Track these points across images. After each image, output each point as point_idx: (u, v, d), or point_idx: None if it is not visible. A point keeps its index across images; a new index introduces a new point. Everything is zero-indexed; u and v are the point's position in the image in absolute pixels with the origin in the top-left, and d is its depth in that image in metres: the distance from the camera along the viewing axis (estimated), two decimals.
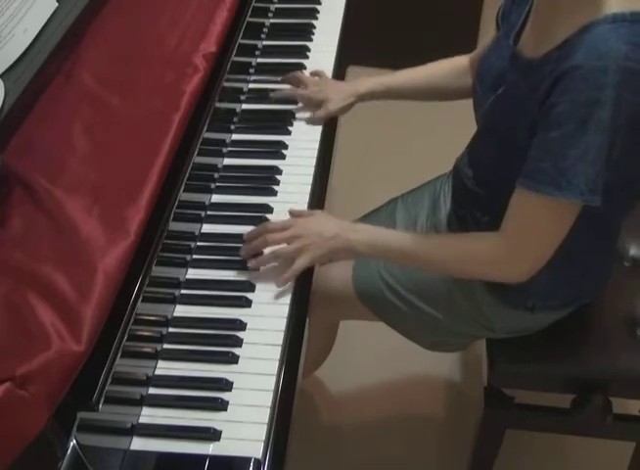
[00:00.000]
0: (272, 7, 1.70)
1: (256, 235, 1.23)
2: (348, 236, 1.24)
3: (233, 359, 1.10)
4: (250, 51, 1.55)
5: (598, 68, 1.00)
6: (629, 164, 1.13)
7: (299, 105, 1.50)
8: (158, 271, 1.04)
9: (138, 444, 1.01)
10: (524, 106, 1.12)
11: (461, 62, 1.48)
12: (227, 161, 1.39)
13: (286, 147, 1.42)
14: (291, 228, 1.23)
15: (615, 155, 1.05)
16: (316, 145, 1.43)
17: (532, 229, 1.13)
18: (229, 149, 1.41)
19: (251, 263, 1.21)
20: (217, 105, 1.28)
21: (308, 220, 1.25)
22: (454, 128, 1.39)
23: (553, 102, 1.05)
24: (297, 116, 1.48)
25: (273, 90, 1.52)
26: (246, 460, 0.99)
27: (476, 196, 1.32)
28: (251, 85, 1.54)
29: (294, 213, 1.28)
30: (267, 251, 1.23)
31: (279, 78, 1.54)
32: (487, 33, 1.39)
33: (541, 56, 1.11)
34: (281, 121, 1.47)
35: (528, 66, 1.14)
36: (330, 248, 1.23)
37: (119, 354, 0.93)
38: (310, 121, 1.47)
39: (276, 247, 1.23)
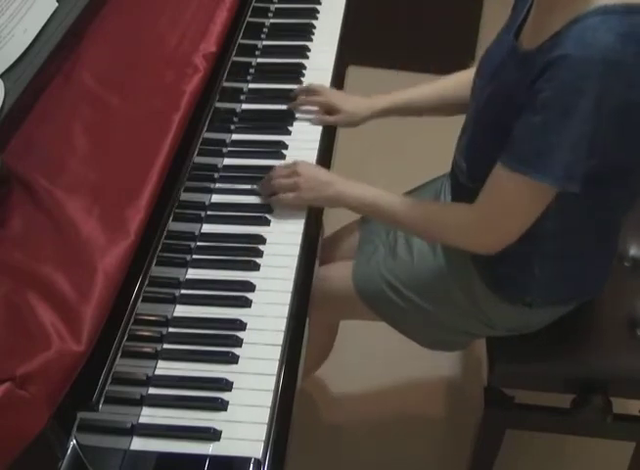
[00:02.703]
0: (272, 7, 1.69)
1: (268, 179, 1.33)
2: (342, 187, 1.31)
3: (233, 359, 1.10)
4: (250, 51, 1.55)
5: (584, 57, 1.01)
6: (624, 155, 1.13)
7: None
8: (158, 271, 1.05)
9: (138, 444, 1.01)
10: (513, 94, 1.13)
11: (468, 75, 1.47)
12: (227, 161, 1.39)
13: (286, 147, 1.42)
14: (292, 166, 1.32)
15: (600, 144, 1.05)
16: (316, 145, 1.43)
17: (502, 204, 1.15)
18: (229, 149, 1.41)
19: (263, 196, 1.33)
20: (217, 105, 1.28)
21: (310, 164, 1.35)
22: (455, 129, 1.39)
23: (539, 87, 1.06)
24: (298, 116, 1.48)
25: (273, 90, 1.52)
26: (246, 460, 0.99)
27: (470, 191, 1.31)
28: (251, 85, 1.54)
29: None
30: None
31: (279, 79, 1.54)
32: (487, 34, 1.38)
33: (536, 47, 1.11)
34: (281, 121, 1.47)
35: (524, 57, 1.14)
36: (321, 192, 1.30)
37: (119, 354, 0.92)
38: (315, 122, 1.47)
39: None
